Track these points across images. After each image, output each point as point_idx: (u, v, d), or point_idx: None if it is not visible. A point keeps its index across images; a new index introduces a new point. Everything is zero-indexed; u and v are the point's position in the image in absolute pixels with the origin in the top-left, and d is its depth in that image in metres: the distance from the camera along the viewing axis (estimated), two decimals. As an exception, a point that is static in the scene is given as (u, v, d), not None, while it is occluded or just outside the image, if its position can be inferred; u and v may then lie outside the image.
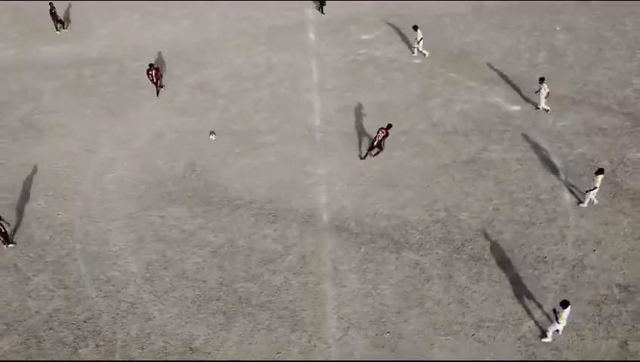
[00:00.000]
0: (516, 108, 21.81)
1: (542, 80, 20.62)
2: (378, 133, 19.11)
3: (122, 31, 27.68)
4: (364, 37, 26.52)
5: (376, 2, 28.49)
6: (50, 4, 26.45)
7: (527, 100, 22.05)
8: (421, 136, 20.65)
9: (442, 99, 22.42)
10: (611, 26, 26.34)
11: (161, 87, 23.24)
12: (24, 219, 17.94)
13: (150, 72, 22.49)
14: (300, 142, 20.61)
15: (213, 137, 20.67)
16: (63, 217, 17.99)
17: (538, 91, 20.89)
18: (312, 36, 26.71)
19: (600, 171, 16.58)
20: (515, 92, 22.60)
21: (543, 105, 21.09)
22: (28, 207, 18.40)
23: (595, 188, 16.79)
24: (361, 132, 20.97)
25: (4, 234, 16.67)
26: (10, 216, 17.83)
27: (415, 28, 23.99)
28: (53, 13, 26.74)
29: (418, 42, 24.37)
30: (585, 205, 17.48)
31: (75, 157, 20.27)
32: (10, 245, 16.97)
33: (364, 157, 19.68)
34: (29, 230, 17.57)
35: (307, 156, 20.00)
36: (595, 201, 17.44)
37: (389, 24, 27.22)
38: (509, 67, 24.04)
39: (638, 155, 19.32)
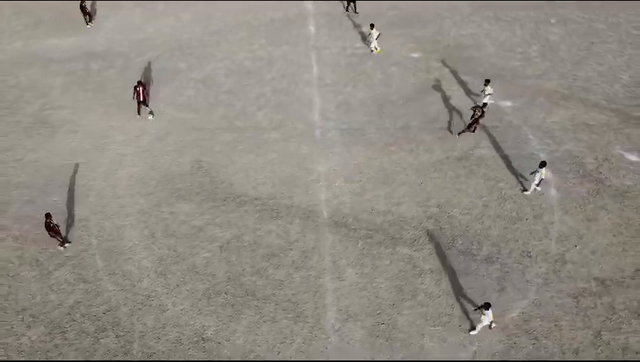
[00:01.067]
0: (508, 103, 22.73)
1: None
2: (475, 112, 20.19)
3: (126, 24, 28.33)
4: (364, 30, 27.18)
5: (374, -6, 29.07)
6: None
7: (519, 96, 22.95)
8: (417, 132, 21.63)
9: (438, 94, 23.30)
10: (605, 18, 27.00)
11: (146, 105, 22.43)
12: (42, 215, 19.04)
13: (137, 88, 21.93)
14: (300, 139, 21.60)
15: (151, 117, 22.18)
16: (79, 213, 19.13)
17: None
18: (312, 29, 27.38)
19: (543, 164, 17.73)
20: (507, 87, 23.47)
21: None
22: (45, 203, 19.50)
23: (542, 179, 18.02)
24: (359, 129, 21.93)
25: (60, 234, 17.68)
26: (30, 212, 18.99)
27: (372, 26, 24.65)
28: (83, 7, 27.31)
29: (375, 39, 24.87)
30: (529, 193, 18.84)
31: (87, 153, 21.28)
32: (66, 245, 18.00)
33: (461, 133, 21.03)
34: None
35: (307, 153, 21.03)
36: (539, 189, 18.65)
37: (387, 16, 27.83)
38: (503, 61, 24.83)
39: (622, 152, 20.36)
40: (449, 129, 21.49)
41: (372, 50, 25.21)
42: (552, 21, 26.99)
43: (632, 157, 20.15)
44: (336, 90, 23.78)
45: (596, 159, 20.16)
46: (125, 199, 19.55)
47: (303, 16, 28.32)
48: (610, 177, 19.49)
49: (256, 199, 19.44)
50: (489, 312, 14.72)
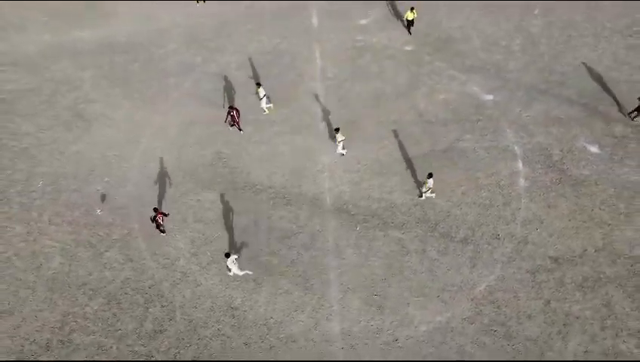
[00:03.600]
0: (489, 97, 25.66)
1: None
2: None
3: (143, 13, 30.69)
4: (362, 22, 29.66)
5: (373, -16, 31.24)
6: None
7: (500, 90, 25.83)
8: (407, 126, 24.72)
9: (427, 88, 26.19)
10: (583, 9, 29.33)
11: (239, 128, 24.30)
12: (89, 203, 22.53)
13: (231, 113, 23.59)
14: (307, 131, 24.72)
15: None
16: (120, 201, 22.60)
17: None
18: (315, 21, 29.82)
19: (430, 175, 20.83)
20: (490, 81, 26.32)
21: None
22: (89, 192, 22.94)
23: (429, 188, 21.18)
24: (357, 122, 24.98)
25: (161, 226, 20.90)
26: (79, 200, 22.46)
27: (258, 85, 24.27)
28: None
29: (261, 99, 24.52)
30: (423, 198, 21.92)
31: (122, 146, 24.48)
32: (164, 234, 21.37)
33: (634, 118, 23.72)
34: (94, 213, 22.23)
35: (313, 145, 24.21)
36: (432, 195, 21.79)
37: (384, 7, 30.18)
38: (487, 55, 27.51)
39: (585, 144, 23.55)
40: (621, 112, 24.34)
41: (264, 111, 25.16)
42: (536, 12, 29.37)
43: (593, 149, 23.36)
44: (337, 84, 26.65)
45: (561, 151, 23.38)
46: (158, 188, 22.96)
47: (306, 6, 30.64)
48: (571, 168, 22.80)
49: (270, 188, 22.84)
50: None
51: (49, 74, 27.64)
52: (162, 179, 23.28)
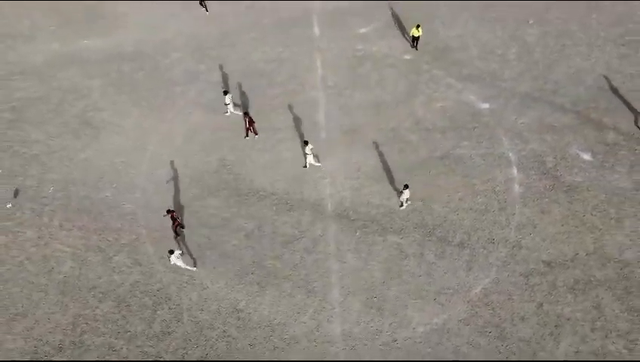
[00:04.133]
0: (485, 105, 26.45)
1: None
2: None
3: (149, 23, 31.52)
4: (362, 30, 30.47)
5: (372, -6, 32.07)
6: None
7: (496, 98, 26.63)
8: (406, 133, 25.52)
9: (425, 96, 26.99)
10: (577, 19, 30.16)
11: (255, 133, 25.49)
12: (99, 208, 23.34)
13: (245, 119, 24.94)
14: (308, 139, 25.50)
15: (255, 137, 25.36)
16: (128, 207, 23.40)
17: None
18: (316, 30, 30.63)
19: (406, 186, 21.72)
20: (486, 89, 27.12)
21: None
22: (98, 198, 23.74)
23: (407, 198, 22.08)
24: (357, 130, 25.79)
25: (178, 220, 21.83)
26: (88, 206, 23.25)
27: (225, 92, 25.38)
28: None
29: (227, 104, 25.90)
30: (403, 207, 22.70)
31: (129, 153, 25.29)
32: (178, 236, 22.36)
33: None
34: (104, 218, 23.04)
35: (315, 152, 24.99)
36: (407, 204, 22.60)
37: (384, 15, 31.00)
38: (483, 64, 28.31)
39: (578, 152, 24.34)
40: (637, 125, 24.71)
41: (226, 113, 26.50)
42: (530, 22, 30.18)
43: (586, 157, 24.15)
44: (338, 92, 27.45)
45: (555, 158, 24.18)
46: (165, 195, 23.76)
47: (308, 15, 31.45)
48: (564, 174, 23.59)
49: (273, 194, 23.63)
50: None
51: (57, 82, 28.45)
52: (169, 185, 24.06)
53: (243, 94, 27.60)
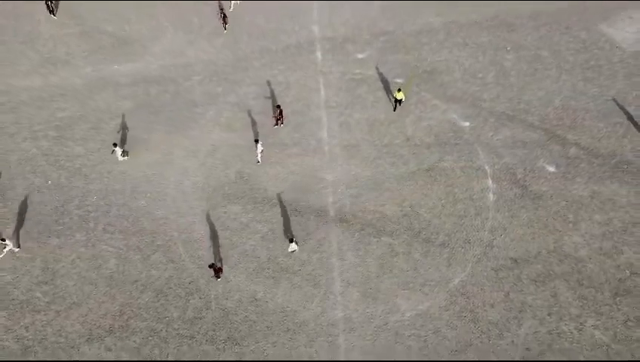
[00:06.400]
0: (466, 124, 30.58)
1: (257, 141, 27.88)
2: None
3: (171, 49, 35.62)
4: (360, 56, 34.60)
5: (368, 22, 36.13)
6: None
7: (475, 117, 30.75)
8: (397, 148, 29.65)
9: (414, 116, 31.13)
10: (549, 45, 34.28)
11: (282, 123, 30.67)
12: (135, 214, 27.45)
13: (277, 110, 30.14)
14: (314, 154, 29.65)
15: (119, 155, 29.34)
16: (160, 213, 27.52)
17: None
18: (319, 55, 34.76)
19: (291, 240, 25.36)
20: (467, 109, 31.24)
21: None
22: (135, 206, 27.85)
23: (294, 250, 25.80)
24: (355, 145, 29.92)
25: (220, 270, 24.96)
26: (127, 213, 27.37)
27: (114, 145, 28.26)
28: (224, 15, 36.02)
29: (112, 152, 28.85)
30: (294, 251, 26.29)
31: (159, 166, 29.41)
32: (219, 279, 25.58)
33: None
34: (140, 223, 27.14)
35: (319, 165, 29.14)
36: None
37: (379, 42, 35.11)
38: (465, 86, 32.44)
39: (544, 165, 28.45)
40: None
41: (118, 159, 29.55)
42: (508, 48, 34.29)
43: (551, 169, 28.27)
44: (339, 111, 31.58)
45: (524, 170, 28.29)
46: (192, 202, 27.89)
47: (311, 42, 35.57)
48: (532, 184, 27.71)
49: (283, 202, 27.76)
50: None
51: (94, 103, 32.57)
52: (195, 194, 28.20)
53: (257, 113, 31.72)
